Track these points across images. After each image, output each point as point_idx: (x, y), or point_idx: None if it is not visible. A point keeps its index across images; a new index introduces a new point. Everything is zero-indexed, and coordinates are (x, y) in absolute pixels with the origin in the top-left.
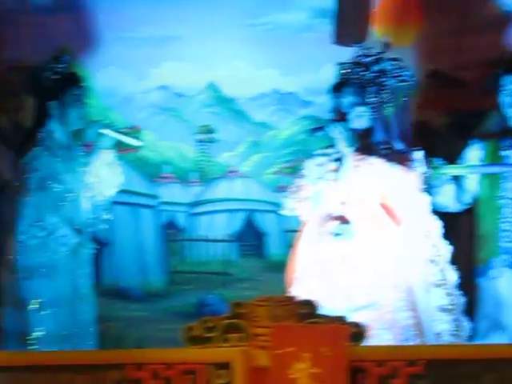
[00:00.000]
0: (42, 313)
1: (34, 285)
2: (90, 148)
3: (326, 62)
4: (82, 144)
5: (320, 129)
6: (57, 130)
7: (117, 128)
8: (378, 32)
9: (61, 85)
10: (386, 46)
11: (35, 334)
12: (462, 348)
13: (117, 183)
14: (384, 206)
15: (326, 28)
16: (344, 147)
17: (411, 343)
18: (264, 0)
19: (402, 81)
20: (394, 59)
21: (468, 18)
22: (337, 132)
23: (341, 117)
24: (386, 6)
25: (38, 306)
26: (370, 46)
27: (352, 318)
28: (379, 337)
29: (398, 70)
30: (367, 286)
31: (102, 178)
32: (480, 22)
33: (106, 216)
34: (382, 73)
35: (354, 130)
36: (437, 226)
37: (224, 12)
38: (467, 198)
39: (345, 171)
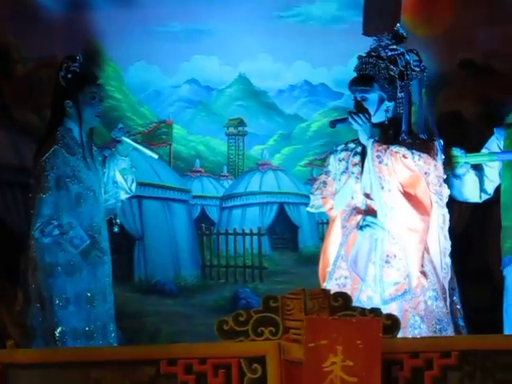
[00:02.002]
0: (67, 310)
1: (55, 282)
2: (110, 145)
3: (356, 53)
4: (100, 143)
5: (342, 121)
6: (74, 129)
7: (136, 137)
8: (408, 22)
9: (77, 83)
10: (401, 37)
11: (61, 331)
12: (496, 339)
13: (129, 190)
14: (409, 196)
15: (356, 19)
16: (365, 139)
17: (445, 334)
18: None
19: (421, 71)
20: (411, 50)
21: (499, 6)
22: (358, 123)
23: (362, 108)
24: None
25: (61, 302)
26: (389, 37)
27: (386, 309)
28: (415, 327)
29: (417, 62)
30: (398, 276)
31: (116, 183)
32: (509, 12)
33: (117, 221)
34: (391, 60)
35: (377, 122)
36: (447, 217)
37: (252, 5)
38: (490, 189)
39: (368, 163)
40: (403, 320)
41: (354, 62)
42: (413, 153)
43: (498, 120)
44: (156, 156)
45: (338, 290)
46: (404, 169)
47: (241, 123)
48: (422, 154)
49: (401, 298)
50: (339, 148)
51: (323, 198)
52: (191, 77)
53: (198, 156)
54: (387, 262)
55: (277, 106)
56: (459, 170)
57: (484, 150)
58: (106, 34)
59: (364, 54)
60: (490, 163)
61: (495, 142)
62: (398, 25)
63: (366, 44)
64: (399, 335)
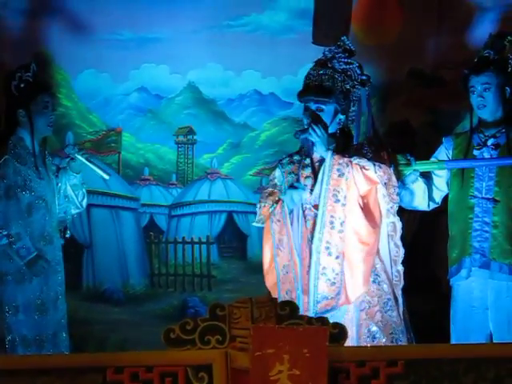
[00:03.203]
0: (16, 318)
1: (5, 290)
2: (60, 153)
3: (306, 62)
4: (52, 152)
5: (304, 131)
6: (26, 138)
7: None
8: (357, 32)
9: (30, 93)
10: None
11: (10, 339)
12: (442, 347)
13: (80, 205)
14: (364, 208)
15: (306, 29)
16: (323, 150)
17: (400, 343)
18: (243, 1)
19: (364, 82)
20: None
21: (447, 17)
22: (317, 135)
23: (318, 119)
24: (366, 5)
25: (11, 310)
26: (340, 50)
27: (343, 318)
28: (374, 337)
29: (358, 72)
30: (330, 291)
31: (67, 197)
32: (458, 22)
33: (66, 234)
34: (346, 74)
35: (331, 132)
36: (399, 226)
37: (202, 13)
38: (438, 198)
39: (324, 175)
40: (361, 329)
41: (303, 72)
42: (374, 164)
43: (447, 130)
44: (107, 177)
45: (285, 299)
46: (364, 181)
47: (190, 131)
48: (381, 165)
49: (328, 314)
50: (284, 161)
51: (267, 209)
52: (141, 85)
53: (146, 164)
54: (323, 274)
55: (226, 115)
56: (408, 178)
57: (433, 159)
58: (55, 41)
59: (317, 64)
60: (439, 172)
61: (444, 152)
62: (344, 38)
63: (316, 53)
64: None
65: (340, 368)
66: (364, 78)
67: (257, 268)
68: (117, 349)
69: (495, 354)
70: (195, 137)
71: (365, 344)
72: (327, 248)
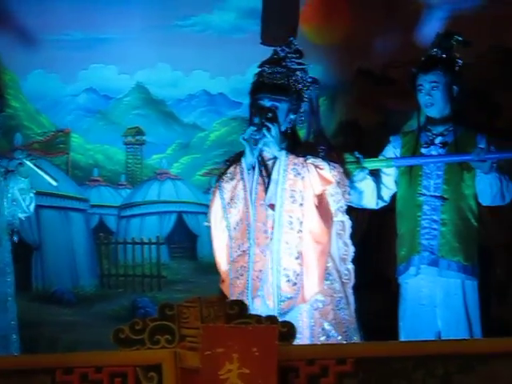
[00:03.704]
0: None
1: None
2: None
3: (255, 62)
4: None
5: (259, 129)
6: None
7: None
8: (306, 31)
9: None
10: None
11: None
12: (391, 345)
13: (27, 210)
14: (318, 208)
15: (254, 28)
16: (276, 150)
17: (354, 341)
18: (191, 1)
19: (313, 83)
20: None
21: (396, 16)
22: (271, 134)
23: (272, 117)
24: (314, 5)
25: None
26: (291, 50)
27: (296, 317)
28: (328, 336)
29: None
30: (292, 291)
31: (15, 201)
32: (406, 21)
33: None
34: (298, 75)
35: (281, 132)
36: (348, 224)
37: (150, 14)
38: (387, 196)
39: (278, 175)
40: (315, 328)
41: (252, 72)
42: (329, 164)
43: (395, 128)
44: (55, 183)
45: (236, 298)
46: (320, 180)
47: (139, 132)
48: (334, 164)
49: (289, 313)
50: (229, 173)
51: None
52: (89, 85)
53: (95, 165)
54: (285, 275)
55: (175, 115)
56: (357, 177)
57: (380, 157)
58: (2, 42)
59: (271, 62)
60: (387, 171)
61: (391, 150)
62: (292, 39)
63: (264, 53)
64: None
65: (290, 367)
66: (313, 79)
67: (207, 268)
68: (67, 350)
69: (444, 350)
70: (144, 137)
71: (319, 343)
72: (287, 248)
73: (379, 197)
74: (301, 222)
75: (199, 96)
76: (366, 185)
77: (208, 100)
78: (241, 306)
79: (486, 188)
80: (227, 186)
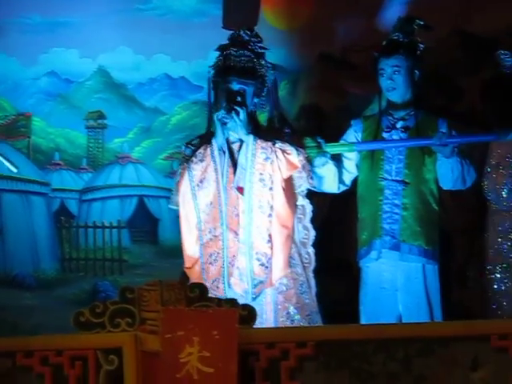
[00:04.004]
0: None
1: None
2: None
3: (216, 46)
4: None
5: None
6: None
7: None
8: (267, 16)
9: None
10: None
11: None
12: (351, 328)
13: None
14: (285, 192)
15: (216, 12)
16: (244, 134)
17: (316, 324)
18: None
19: (273, 66)
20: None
21: (358, 0)
22: (239, 118)
23: (241, 101)
24: None
25: None
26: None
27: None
28: (292, 319)
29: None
30: (264, 274)
31: None
32: (368, 5)
33: None
34: (262, 59)
35: (247, 115)
36: (309, 208)
37: None
38: (348, 180)
39: (246, 159)
40: (279, 312)
41: (214, 56)
42: (296, 149)
43: (357, 113)
44: (15, 170)
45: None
46: (287, 165)
47: (100, 116)
48: (300, 149)
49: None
50: (198, 154)
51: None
52: (51, 69)
53: (57, 149)
54: (257, 258)
55: (137, 99)
56: (318, 161)
57: (342, 142)
58: None
59: (237, 45)
60: (348, 155)
61: (353, 134)
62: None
63: (226, 37)
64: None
65: (250, 350)
66: (272, 64)
67: (168, 252)
68: (28, 334)
69: (404, 334)
70: (106, 121)
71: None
72: (258, 233)
73: (340, 181)
74: (271, 206)
75: (161, 80)
76: (328, 169)
77: (169, 84)
78: (201, 289)
79: (447, 172)
80: (196, 168)
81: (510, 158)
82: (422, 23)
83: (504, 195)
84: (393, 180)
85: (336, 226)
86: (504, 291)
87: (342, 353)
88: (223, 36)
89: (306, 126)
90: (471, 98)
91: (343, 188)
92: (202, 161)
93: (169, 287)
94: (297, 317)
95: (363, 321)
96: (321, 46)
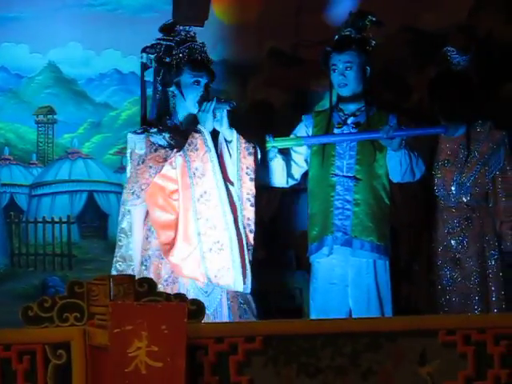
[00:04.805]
0: None
1: None
2: None
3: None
4: None
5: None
6: None
7: None
8: (217, 10)
9: None
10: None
11: None
12: (299, 323)
13: None
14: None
15: (166, 8)
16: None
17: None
18: None
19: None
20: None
21: None
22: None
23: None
24: None
25: None
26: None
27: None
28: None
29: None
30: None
31: None
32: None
33: None
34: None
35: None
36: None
37: None
38: (297, 174)
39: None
40: (233, 307)
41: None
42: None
43: (307, 108)
44: None
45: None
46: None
47: (50, 111)
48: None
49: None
50: (192, 142)
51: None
52: (1, 64)
53: (6, 144)
54: (249, 250)
55: (87, 95)
56: (267, 156)
57: (292, 137)
58: None
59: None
60: (297, 149)
61: (303, 129)
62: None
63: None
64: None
65: (198, 344)
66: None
67: None
68: None
69: (352, 329)
70: (55, 116)
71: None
72: (248, 225)
73: (289, 175)
74: (254, 197)
75: (111, 75)
76: (276, 163)
77: (119, 79)
78: (150, 283)
79: (395, 165)
80: (192, 155)
81: (458, 154)
82: (374, 19)
83: (453, 191)
84: (344, 176)
85: (286, 221)
86: (452, 287)
87: (290, 347)
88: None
89: (257, 121)
90: (420, 95)
91: (292, 182)
92: (196, 149)
93: (117, 282)
94: (249, 312)
95: (313, 316)
96: (271, 41)
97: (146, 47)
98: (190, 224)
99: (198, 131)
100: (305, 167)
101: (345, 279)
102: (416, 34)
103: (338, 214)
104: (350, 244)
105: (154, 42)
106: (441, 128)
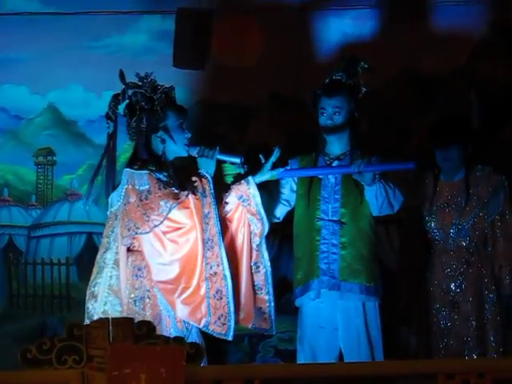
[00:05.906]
0: None
1: None
2: None
3: (166, 84)
4: None
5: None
6: None
7: None
8: (219, 55)
9: None
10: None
11: None
12: (298, 367)
13: None
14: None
15: (166, 51)
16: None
17: None
18: (103, 22)
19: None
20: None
21: (307, 40)
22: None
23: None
24: (226, 29)
25: None
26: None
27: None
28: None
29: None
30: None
31: None
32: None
33: None
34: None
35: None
36: None
37: (63, 34)
38: (280, 213)
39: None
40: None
41: None
42: None
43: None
44: None
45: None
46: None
47: (50, 152)
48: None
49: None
50: (200, 187)
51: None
52: (0, 105)
53: (6, 185)
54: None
55: (86, 136)
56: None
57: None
58: None
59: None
60: (282, 190)
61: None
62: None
63: (176, 75)
64: None
65: None
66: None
67: None
68: None
69: (352, 372)
70: (55, 158)
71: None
72: (257, 266)
73: (273, 213)
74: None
75: None
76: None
77: (119, 121)
78: (149, 326)
79: (371, 199)
80: (204, 200)
81: (457, 197)
82: (366, 66)
83: (451, 234)
84: (329, 220)
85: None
86: (450, 330)
87: None
88: (174, 74)
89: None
90: (419, 139)
91: (275, 221)
92: (205, 196)
93: (116, 324)
94: None
95: (300, 360)
96: (271, 85)
97: (118, 95)
98: (201, 268)
99: (204, 177)
100: (288, 206)
101: (334, 322)
102: (416, 78)
103: (324, 258)
104: (338, 287)
105: (123, 90)
106: (410, 164)
